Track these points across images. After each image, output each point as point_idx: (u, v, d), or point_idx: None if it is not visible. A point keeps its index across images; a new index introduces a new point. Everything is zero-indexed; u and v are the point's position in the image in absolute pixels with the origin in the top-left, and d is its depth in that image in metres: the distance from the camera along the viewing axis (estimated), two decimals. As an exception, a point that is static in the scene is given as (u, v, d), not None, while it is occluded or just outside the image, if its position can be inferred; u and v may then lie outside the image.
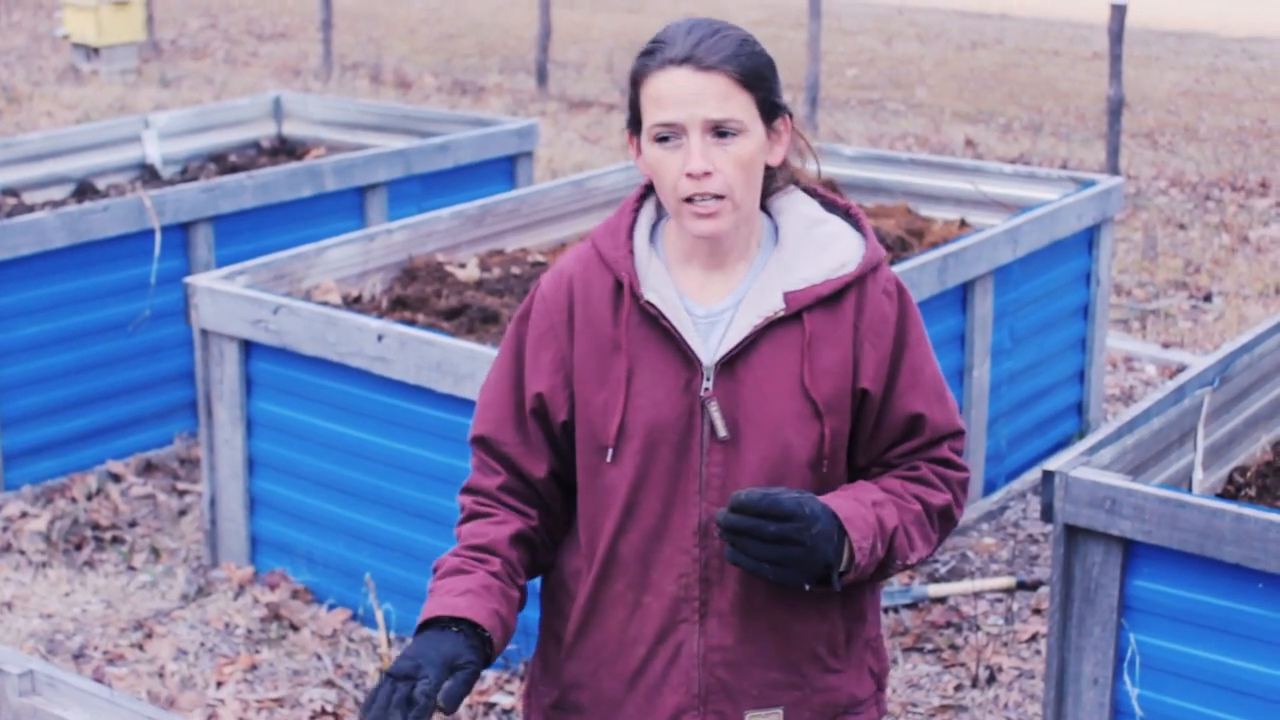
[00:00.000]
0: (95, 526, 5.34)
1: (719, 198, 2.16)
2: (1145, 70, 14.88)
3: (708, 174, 2.14)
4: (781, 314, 2.21)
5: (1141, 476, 3.64)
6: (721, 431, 2.21)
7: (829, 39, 15.46)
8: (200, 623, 4.72)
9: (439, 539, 4.39)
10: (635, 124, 2.23)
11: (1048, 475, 3.43)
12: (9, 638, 4.61)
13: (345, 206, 6.42)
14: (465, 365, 4.26)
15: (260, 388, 4.85)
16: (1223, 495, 4.07)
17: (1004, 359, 5.55)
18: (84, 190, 6.77)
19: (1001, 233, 5.37)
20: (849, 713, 2.33)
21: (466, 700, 4.18)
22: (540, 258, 5.80)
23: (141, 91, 12.79)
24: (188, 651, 4.56)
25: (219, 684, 4.40)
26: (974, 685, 4.42)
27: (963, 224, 6.11)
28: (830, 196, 2.35)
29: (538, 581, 2.40)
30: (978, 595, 4.86)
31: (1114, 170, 9.51)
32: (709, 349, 2.22)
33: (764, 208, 2.30)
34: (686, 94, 2.14)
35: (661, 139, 2.17)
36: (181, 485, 5.64)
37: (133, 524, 5.39)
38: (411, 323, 4.85)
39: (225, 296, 4.79)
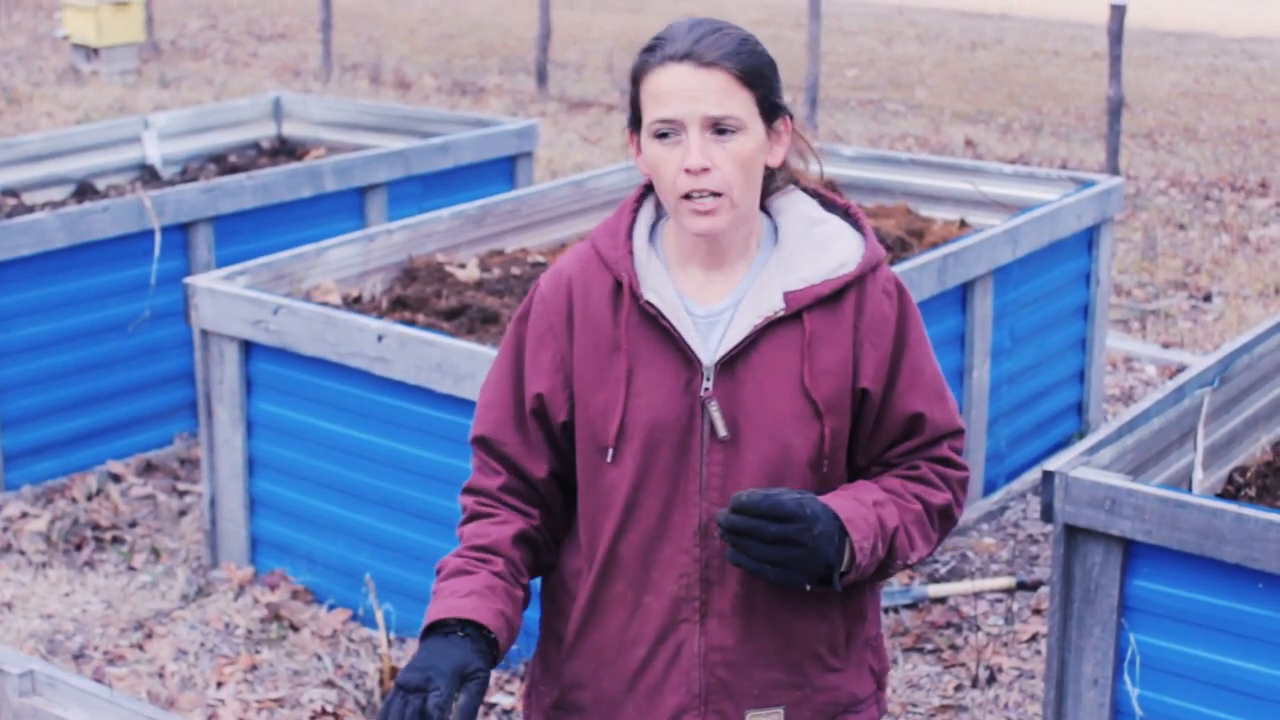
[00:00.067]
0: (95, 527, 5.34)
1: (717, 195, 2.15)
2: (1145, 70, 14.88)
3: (706, 170, 2.14)
4: (781, 314, 2.21)
5: (1141, 477, 3.64)
6: (721, 431, 2.21)
7: (829, 39, 15.46)
8: (200, 623, 4.72)
9: (439, 539, 4.39)
10: (636, 122, 2.22)
11: (1048, 475, 3.43)
12: (9, 638, 4.61)
13: (345, 207, 6.42)
14: (465, 366, 4.26)
15: (260, 388, 4.85)
16: (1223, 495, 4.07)
17: (1004, 359, 5.55)
18: (84, 191, 6.78)
19: (1001, 233, 5.37)
20: (849, 712, 2.34)
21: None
22: (540, 258, 5.80)
23: (141, 92, 12.79)
24: (188, 652, 4.56)
25: (219, 684, 4.40)
26: (974, 685, 4.42)
27: (963, 224, 6.11)
28: (830, 196, 2.35)
29: (538, 582, 2.40)
30: (978, 595, 4.86)
31: (1114, 170, 9.52)
32: (709, 349, 2.22)
33: (763, 208, 2.30)
34: (686, 90, 2.14)
35: (661, 135, 2.16)
36: (181, 485, 5.64)
37: (133, 524, 5.39)
38: (411, 323, 4.85)
39: (225, 297, 4.79)
